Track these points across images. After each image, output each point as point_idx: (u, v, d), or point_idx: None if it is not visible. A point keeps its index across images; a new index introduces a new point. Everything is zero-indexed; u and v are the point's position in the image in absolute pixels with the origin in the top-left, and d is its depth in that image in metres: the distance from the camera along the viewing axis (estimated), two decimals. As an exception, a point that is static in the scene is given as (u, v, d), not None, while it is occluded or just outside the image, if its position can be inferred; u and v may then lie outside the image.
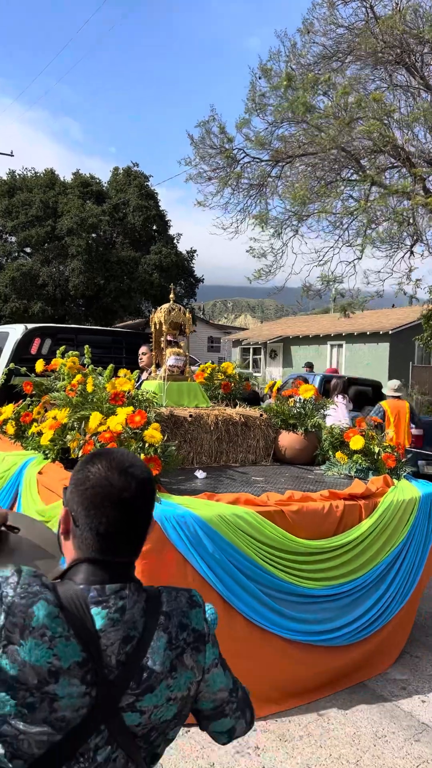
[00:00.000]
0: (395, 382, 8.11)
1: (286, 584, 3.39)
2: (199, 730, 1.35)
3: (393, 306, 17.17)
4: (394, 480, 4.25)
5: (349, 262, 11.59)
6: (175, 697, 1.18)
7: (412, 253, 11.16)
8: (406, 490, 4.08)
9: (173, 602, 1.22)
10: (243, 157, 13.06)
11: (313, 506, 3.60)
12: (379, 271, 11.13)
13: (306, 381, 6.13)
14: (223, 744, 1.36)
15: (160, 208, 33.98)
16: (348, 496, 3.82)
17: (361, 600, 3.73)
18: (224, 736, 1.34)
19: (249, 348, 28.52)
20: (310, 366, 13.72)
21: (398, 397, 7.96)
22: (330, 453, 4.85)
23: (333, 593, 3.57)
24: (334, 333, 23.80)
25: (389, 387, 8.05)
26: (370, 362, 21.21)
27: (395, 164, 11.36)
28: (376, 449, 4.60)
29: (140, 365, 6.52)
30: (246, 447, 4.94)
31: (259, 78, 12.26)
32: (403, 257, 11.13)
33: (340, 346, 23.62)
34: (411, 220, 10.31)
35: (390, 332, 21.48)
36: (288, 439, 5.08)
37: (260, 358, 27.37)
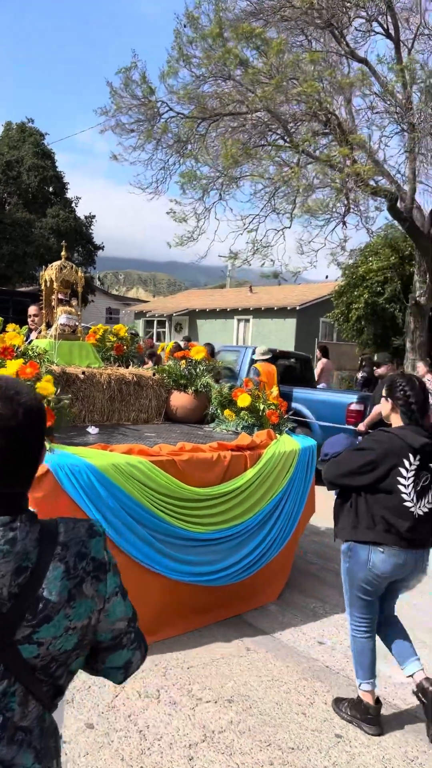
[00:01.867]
0: (263, 348, 9.67)
1: (176, 529, 3.69)
2: (92, 674, 1.36)
3: (326, 277, 17.75)
4: (277, 434, 4.77)
5: (278, 230, 11.80)
6: (74, 627, 1.19)
7: (344, 223, 11.52)
8: (288, 443, 4.62)
9: (71, 532, 1.23)
10: (166, 111, 12.89)
11: (203, 456, 3.96)
12: (311, 241, 11.41)
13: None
14: (119, 682, 1.37)
15: (58, 169, 32.92)
16: (235, 447, 4.24)
17: (245, 542, 4.16)
18: (120, 673, 1.34)
19: (153, 320, 28.45)
20: (188, 339, 14.19)
21: (267, 361, 9.31)
22: (219, 411, 5.31)
23: (220, 536, 3.97)
24: (241, 308, 24.23)
25: (258, 352, 9.49)
26: (277, 337, 21.81)
27: (326, 131, 11.62)
28: (261, 406, 5.10)
29: (30, 326, 6.42)
30: (138, 406, 5.23)
31: (185, 26, 12.10)
32: (335, 228, 11.48)
33: (247, 321, 24.10)
34: (344, 191, 10.64)
35: (297, 308, 22.17)
36: (179, 399, 5.44)
37: (164, 331, 27.39)
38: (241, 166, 11.73)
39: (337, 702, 3.33)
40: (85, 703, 3.20)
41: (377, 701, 3.21)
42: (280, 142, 12.68)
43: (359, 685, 3.22)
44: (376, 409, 7.15)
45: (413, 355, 14.60)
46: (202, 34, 11.90)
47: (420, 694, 3.14)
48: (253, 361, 9.63)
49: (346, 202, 11.09)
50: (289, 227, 11.57)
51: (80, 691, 3.30)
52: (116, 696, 3.29)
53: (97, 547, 1.26)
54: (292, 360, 11.69)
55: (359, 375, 14.36)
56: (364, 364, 14.44)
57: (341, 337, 19.90)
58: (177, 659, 3.71)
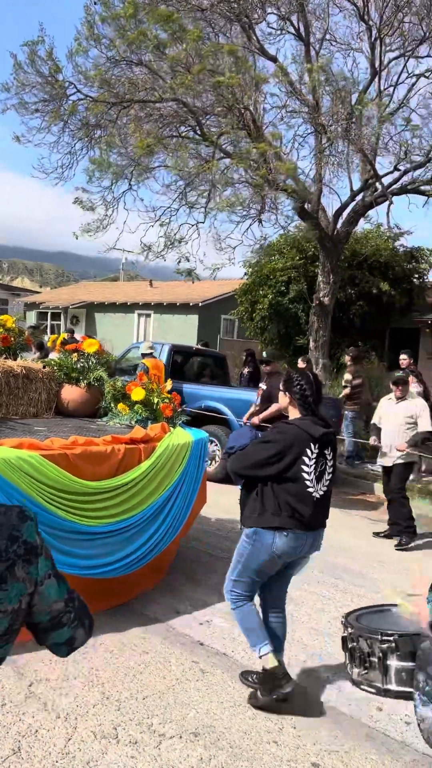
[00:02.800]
0: (149, 342, 10.08)
1: (68, 522, 3.73)
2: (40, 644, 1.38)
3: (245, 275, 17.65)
4: (171, 427, 4.88)
5: (192, 225, 11.50)
6: (5, 611, 1.20)
7: (260, 221, 11.40)
8: (181, 436, 4.74)
9: (2, 516, 1.25)
10: (73, 93, 12.18)
11: (96, 449, 3.99)
12: (225, 238, 11.21)
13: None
14: (64, 656, 1.41)
15: None
16: (129, 441, 4.30)
17: (138, 534, 4.23)
18: (64, 648, 1.39)
19: (47, 312, 27.31)
20: (71, 332, 14.05)
21: (152, 356, 9.55)
22: (112, 405, 5.32)
23: (113, 529, 4.01)
24: (142, 302, 23.76)
25: (145, 347, 9.82)
26: (179, 333, 21.59)
27: (240, 127, 11.41)
28: (156, 400, 5.21)
29: None
30: (27, 400, 5.11)
31: (95, 2, 11.48)
32: (250, 226, 11.34)
33: (148, 315, 23.68)
34: (260, 188, 10.50)
35: (200, 304, 22.05)
36: (71, 393, 5.41)
37: (59, 324, 26.37)
38: (154, 155, 11.36)
39: (245, 675, 3.48)
40: (35, 752, 2.81)
41: (279, 661, 3.29)
42: (192, 134, 12.45)
43: (258, 653, 3.30)
44: (273, 407, 7.22)
45: (317, 353, 14.90)
46: (115, 13, 11.39)
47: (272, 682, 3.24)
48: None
49: (261, 200, 11.03)
50: (203, 222, 11.38)
51: (26, 737, 2.91)
52: (69, 739, 2.92)
53: (29, 531, 1.28)
54: (208, 358, 11.51)
55: (245, 371, 14.40)
56: (249, 359, 14.48)
57: (244, 335, 20.00)
58: (129, 689, 3.39)
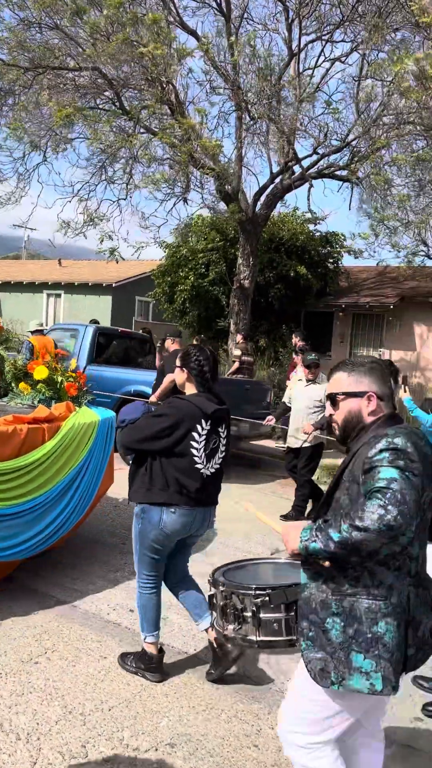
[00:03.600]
0: (36, 321, 10.08)
1: None
2: None
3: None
4: (76, 407, 4.82)
5: (114, 201, 10.98)
6: None
7: (185, 201, 11.05)
8: (87, 415, 4.70)
9: None
10: None
11: None
12: (149, 216, 10.79)
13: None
14: None
15: None
16: (32, 420, 4.21)
17: (44, 515, 4.16)
18: None
19: None
20: None
21: (41, 333, 9.47)
22: (13, 385, 5.15)
23: (17, 511, 3.92)
24: (51, 282, 22.82)
25: (33, 324, 9.79)
26: (92, 315, 20.92)
27: (162, 101, 10.96)
28: (59, 379, 5.08)
29: None
30: None
31: None
32: (175, 204, 10.98)
33: (59, 296, 22.79)
34: (185, 166, 10.13)
35: (113, 285, 21.44)
36: None
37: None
38: (73, 127, 10.77)
39: (123, 657, 3.44)
40: (-1, 781, 2.51)
41: (160, 650, 3.39)
42: (109, 107, 11.91)
43: (144, 638, 3.37)
44: (166, 380, 7.28)
45: (237, 337, 14.85)
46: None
47: (215, 645, 3.35)
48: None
49: (186, 178, 10.74)
50: (125, 199, 10.94)
51: (-14, 765, 2.59)
52: (35, 763, 2.63)
53: None
54: (134, 341, 11.09)
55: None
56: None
57: (161, 317, 19.66)
58: (92, 700, 3.12)
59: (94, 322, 13.18)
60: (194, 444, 3.19)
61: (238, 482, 8.22)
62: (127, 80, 11.17)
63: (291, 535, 1.96)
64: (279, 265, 16.04)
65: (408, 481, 1.82)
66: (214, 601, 2.31)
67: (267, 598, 2.14)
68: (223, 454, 3.37)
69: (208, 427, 3.23)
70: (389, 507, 1.77)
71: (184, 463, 3.20)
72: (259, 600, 2.15)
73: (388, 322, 16.97)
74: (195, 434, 3.19)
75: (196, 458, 3.20)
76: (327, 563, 1.94)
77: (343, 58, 15.22)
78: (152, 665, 3.36)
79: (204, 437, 3.22)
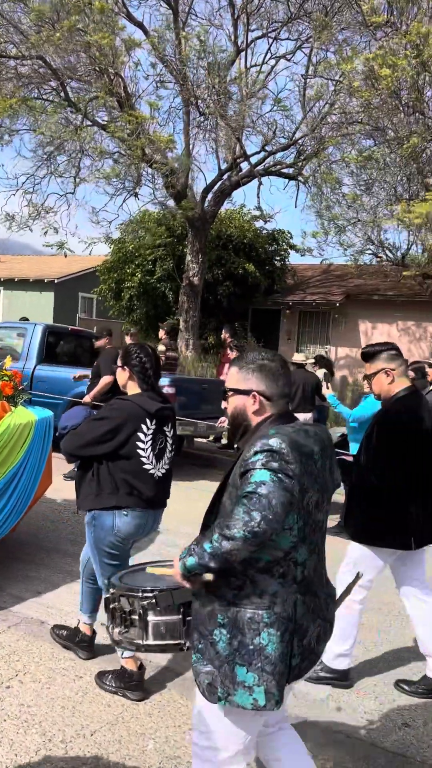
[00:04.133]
0: None
1: None
2: None
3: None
4: (12, 407, 4.68)
5: (61, 195, 10.58)
6: None
7: (136, 195, 10.76)
8: (23, 415, 4.56)
9: None
10: None
11: None
12: (99, 211, 10.45)
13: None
14: None
15: None
16: None
17: None
18: None
19: None
20: None
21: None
22: None
23: None
24: (-11, 277, 22.06)
25: None
26: (29, 313, 20.35)
27: (110, 93, 10.61)
28: None
29: None
30: None
31: None
32: (125, 200, 10.69)
33: (-3, 292, 22.07)
34: (138, 160, 9.84)
35: (55, 281, 20.91)
36: None
37: None
38: (17, 117, 10.36)
39: (101, 676, 3.30)
40: None
41: (140, 666, 3.24)
42: (53, 99, 11.51)
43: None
44: (102, 381, 7.18)
45: (188, 334, 14.72)
46: None
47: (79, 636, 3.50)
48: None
49: (137, 173, 10.51)
50: (73, 193, 10.60)
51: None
52: (17, 801, 2.44)
53: None
54: (86, 340, 10.72)
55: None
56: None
57: (106, 314, 19.29)
58: (73, 726, 2.94)
59: (24, 319, 12.83)
60: (140, 445, 3.13)
61: (188, 480, 8.10)
62: (74, 70, 10.82)
63: (177, 562, 1.90)
64: (227, 262, 15.98)
65: (279, 483, 1.76)
66: (108, 605, 2.24)
67: (153, 601, 2.07)
68: (171, 453, 3.32)
69: (153, 427, 3.17)
70: (253, 513, 1.73)
71: (132, 466, 3.13)
72: (145, 602, 2.09)
73: (334, 319, 17.18)
74: (140, 434, 3.12)
75: (143, 459, 3.14)
76: (209, 577, 1.86)
77: (289, 56, 15.33)
78: (132, 683, 3.21)
79: (150, 437, 3.15)
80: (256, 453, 1.83)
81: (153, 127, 10.71)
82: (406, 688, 3.52)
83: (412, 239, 12.72)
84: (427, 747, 3.06)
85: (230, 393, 2.09)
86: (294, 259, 18.41)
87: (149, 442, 3.15)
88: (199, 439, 10.27)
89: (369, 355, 3.44)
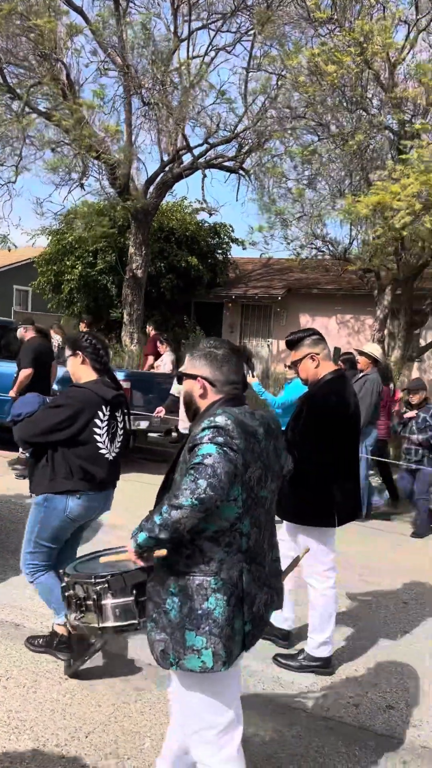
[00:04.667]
0: None
1: None
2: None
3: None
4: None
5: (2, 185, 10.19)
6: None
7: (82, 186, 10.48)
8: None
9: None
10: None
11: None
12: (43, 201, 10.10)
13: None
14: None
15: None
16: None
17: None
18: None
19: None
20: None
21: None
22: None
23: None
24: None
25: None
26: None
27: (53, 80, 10.27)
28: None
29: None
30: None
31: None
32: (71, 190, 10.39)
33: None
34: (87, 149, 9.57)
35: (-11, 273, 20.26)
36: None
37: None
38: None
39: (30, 640, 3.48)
40: None
41: (70, 633, 3.32)
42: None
43: (57, 622, 3.40)
44: (22, 374, 7.17)
45: (131, 327, 14.58)
46: None
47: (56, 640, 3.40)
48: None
49: (83, 163, 10.29)
50: (14, 182, 10.27)
51: None
52: (20, 810, 2.38)
53: None
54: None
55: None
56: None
57: (44, 308, 18.83)
58: (66, 729, 2.88)
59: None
60: (97, 431, 3.22)
61: (143, 472, 8.05)
62: (13, 55, 10.47)
63: (130, 542, 2.00)
64: (170, 255, 15.89)
65: (224, 455, 1.88)
66: (64, 593, 2.33)
67: (106, 585, 2.18)
68: (122, 437, 3.41)
69: (108, 413, 3.26)
70: (199, 481, 1.84)
71: (88, 451, 3.21)
72: (98, 587, 2.19)
73: (276, 312, 17.39)
74: (97, 421, 3.21)
75: (99, 444, 3.23)
76: (162, 552, 1.97)
77: (229, 48, 15.33)
78: (62, 644, 3.35)
79: (105, 423, 3.25)
80: (203, 429, 1.96)
81: (99, 116, 10.52)
82: (289, 663, 3.57)
83: (354, 234, 13.00)
84: (412, 727, 3.17)
85: (184, 377, 2.22)
86: (235, 252, 18.52)
87: (105, 428, 3.25)
88: (153, 434, 10.22)
89: (293, 342, 3.55)
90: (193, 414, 2.19)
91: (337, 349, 8.85)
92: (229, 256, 18.27)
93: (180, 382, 2.27)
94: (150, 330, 11.44)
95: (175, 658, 1.96)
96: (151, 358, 10.67)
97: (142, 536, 1.93)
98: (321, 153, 11.31)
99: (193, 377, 2.17)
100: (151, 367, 10.43)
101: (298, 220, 12.38)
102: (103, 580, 2.19)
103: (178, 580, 1.98)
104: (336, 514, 3.44)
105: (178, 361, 9.88)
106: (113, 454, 3.34)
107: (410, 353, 13.16)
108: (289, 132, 12.47)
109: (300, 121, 11.91)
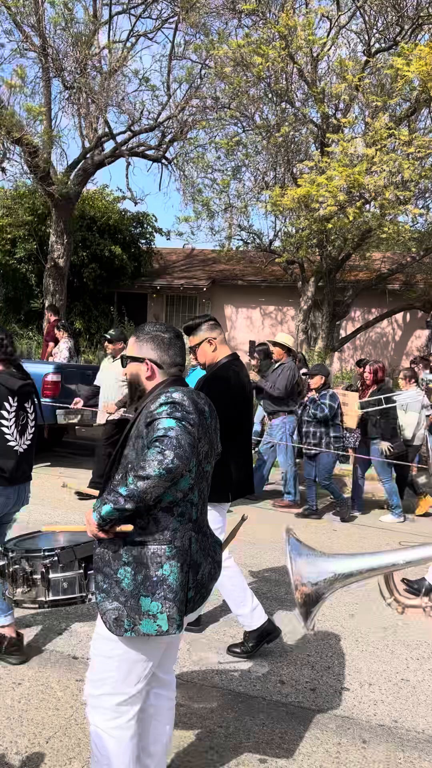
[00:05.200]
0: None
1: None
2: None
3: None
4: None
5: None
6: None
7: (3, 171, 9.99)
8: None
9: None
10: None
11: None
12: None
13: None
14: None
15: None
16: None
17: None
18: None
19: None
20: None
21: None
22: None
23: None
24: None
25: None
26: None
27: None
28: None
29: None
30: None
31: None
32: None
33: None
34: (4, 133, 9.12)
35: None
36: None
37: None
38: None
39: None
40: None
41: (18, 633, 3.37)
42: None
43: (3, 621, 3.32)
44: None
45: (53, 317, 14.16)
46: None
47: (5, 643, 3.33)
48: None
49: (2, 146, 9.86)
50: None
51: None
52: None
53: None
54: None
55: None
56: None
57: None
58: (25, 735, 2.76)
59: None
60: (4, 422, 3.20)
61: (64, 466, 7.89)
62: None
63: (89, 515, 2.03)
64: (92, 244, 15.57)
65: (184, 428, 1.98)
66: (6, 570, 2.33)
67: (56, 558, 2.23)
68: (33, 429, 3.39)
69: (15, 404, 3.25)
70: (167, 452, 1.92)
71: None
72: (47, 561, 2.23)
73: (201, 303, 17.40)
74: (3, 412, 3.20)
75: (8, 436, 3.21)
76: (126, 527, 2.01)
77: (150, 35, 15.12)
78: (12, 647, 3.31)
79: (13, 414, 3.24)
80: (161, 405, 2.04)
81: (20, 98, 10.11)
82: (238, 651, 3.64)
83: (279, 226, 13.17)
84: (367, 707, 3.26)
85: (128, 360, 2.29)
86: (159, 242, 18.38)
87: (12, 419, 3.23)
88: (82, 427, 10.01)
89: (191, 328, 3.63)
90: (139, 395, 2.26)
91: (251, 342, 9.10)
92: (154, 246, 18.10)
93: (124, 365, 2.32)
94: (49, 316, 11.53)
95: (131, 624, 2.01)
96: (51, 345, 10.57)
97: (107, 508, 1.94)
98: (246, 144, 11.36)
99: (140, 360, 2.24)
100: (50, 354, 10.32)
101: (225, 211, 12.40)
102: (53, 553, 2.22)
103: (131, 549, 2.04)
104: (230, 490, 3.55)
105: (78, 351, 10.21)
106: (24, 446, 3.30)
107: (333, 344, 13.52)
108: (214, 122, 12.46)
109: (225, 111, 11.90)
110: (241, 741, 2.87)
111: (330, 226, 9.85)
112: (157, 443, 1.95)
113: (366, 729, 3.05)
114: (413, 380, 7.68)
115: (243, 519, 2.80)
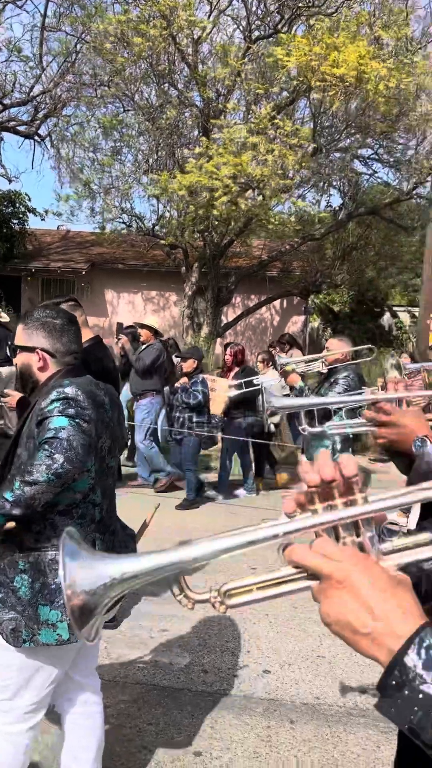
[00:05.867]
0: None
1: None
2: None
3: None
4: None
5: None
6: None
7: None
8: None
9: None
10: None
11: None
12: None
13: None
14: None
15: None
16: None
17: None
18: None
19: None
20: None
21: None
22: None
23: None
24: None
25: None
26: None
27: None
28: None
29: None
30: None
31: None
32: None
33: None
34: None
35: None
36: None
37: None
38: None
39: None
40: None
41: None
42: None
43: None
44: None
45: None
46: None
47: None
48: None
49: None
50: None
51: None
52: None
53: None
54: None
55: None
56: None
57: None
58: None
59: None
60: None
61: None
62: None
63: None
64: (-40, 223, 14.60)
65: (77, 427, 1.88)
66: None
67: None
68: None
69: None
70: (56, 456, 1.83)
71: None
72: None
73: (80, 287, 16.91)
74: None
75: None
76: (10, 524, 1.93)
77: (19, 2, 14.33)
78: None
79: None
80: (52, 401, 1.91)
81: None
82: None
83: (162, 209, 13.04)
84: (290, 687, 3.34)
85: (19, 350, 2.11)
86: (33, 223, 17.59)
87: None
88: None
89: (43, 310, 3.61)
90: (32, 388, 2.10)
91: (119, 324, 9.04)
92: (27, 227, 17.31)
93: (14, 355, 2.16)
94: None
95: (29, 634, 1.91)
96: None
97: None
98: (129, 125, 11.12)
99: (31, 350, 2.06)
100: None
101: (107, 193, 12.09)
102: None
103: (27, 557, 1.94)
104: None
105: None
106: None
107: (217, 330, 13.67)
108: (94, 99, 12.06)
109: (103, 89, 11.56)
110: (173, 736, 2.84)
111: (216, 212, 9.89)
112: (46, 445, 1.84)
113: (291, 709, 3.13)
114: (270, 363, 7.87)
115: (156, 507, 2.77)
